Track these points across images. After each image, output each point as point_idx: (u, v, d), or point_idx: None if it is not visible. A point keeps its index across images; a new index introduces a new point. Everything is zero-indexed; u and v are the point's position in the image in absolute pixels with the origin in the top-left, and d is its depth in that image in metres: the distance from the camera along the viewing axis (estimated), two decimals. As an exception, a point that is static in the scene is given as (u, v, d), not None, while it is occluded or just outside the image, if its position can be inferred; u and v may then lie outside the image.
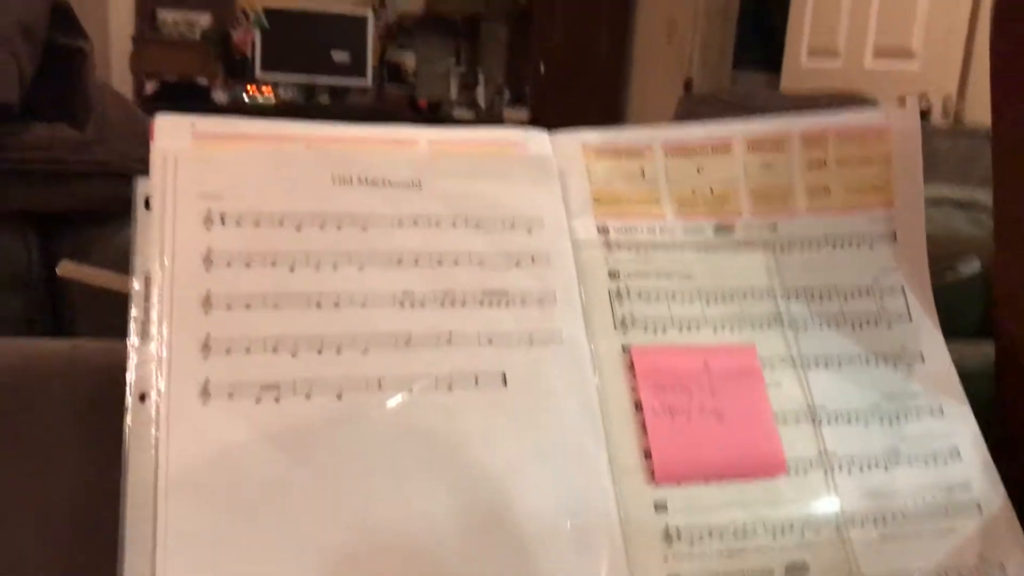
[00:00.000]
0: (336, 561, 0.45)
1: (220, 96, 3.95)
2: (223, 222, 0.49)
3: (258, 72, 4.09)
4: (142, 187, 0.49)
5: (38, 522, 0.50)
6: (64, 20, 0.69)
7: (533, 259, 0.53)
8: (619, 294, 0.54)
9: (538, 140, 0.57)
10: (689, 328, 0.54)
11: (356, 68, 4.17)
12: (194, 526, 0.43)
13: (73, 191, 0.63)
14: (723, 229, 0.57)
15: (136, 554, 0.43)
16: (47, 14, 0.67)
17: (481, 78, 4.37)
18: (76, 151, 0.62)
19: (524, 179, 0.55)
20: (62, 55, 0.69)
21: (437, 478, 0.47)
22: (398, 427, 0.47)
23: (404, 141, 0.55)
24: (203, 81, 3.96)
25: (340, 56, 4.15)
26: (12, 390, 0.51)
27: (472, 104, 4.28)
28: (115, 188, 0.64)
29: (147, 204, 0.49)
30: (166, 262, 0.48)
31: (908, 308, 0.57)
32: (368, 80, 4.19)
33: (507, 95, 4.31)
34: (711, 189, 0.57)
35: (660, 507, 0.49)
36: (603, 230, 0.55)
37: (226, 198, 0.50)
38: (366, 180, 0.52)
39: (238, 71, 4.09)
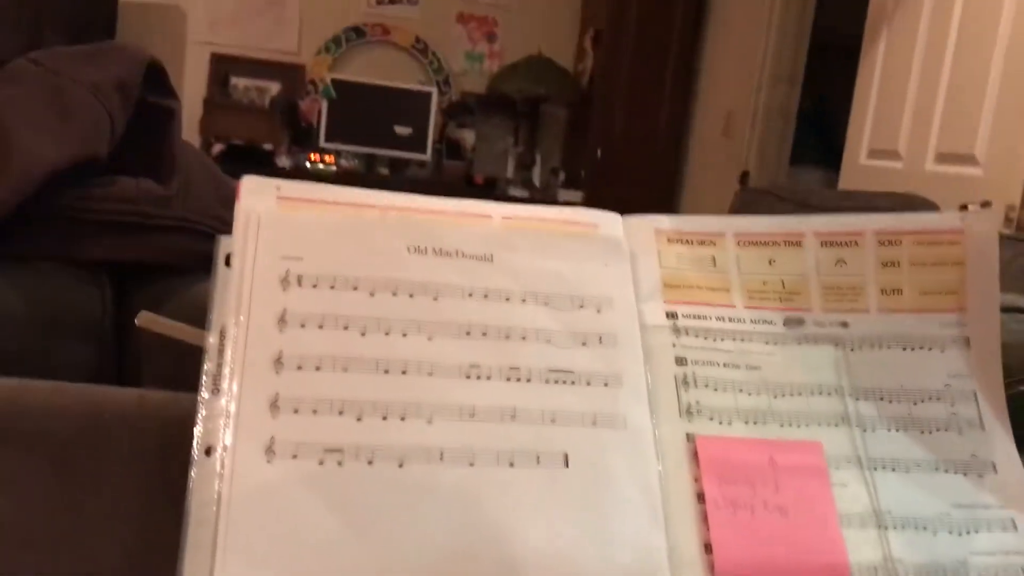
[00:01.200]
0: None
1: (283, 161, 4.05)
2: (300, 283, 0.50)
3: (322, 141, 4.19)
4: (224, 245, 0.50)
5: (96, 571, 0.50)
6: (156, 79, 0.72)
7: (601, 340, 0.53)
8: (686, 381, 0.53)
9: (611, 222, 0.57)
10: (755, 421, 0.53)
11: (417, 142, 4.26)
12: (249, 586, 0.43)
13: (152, 244, 0.64)
14: (793, 322, 0.56)
15: (190, 609, 0.42)
16: (142, 72, 0.70)
17: (538, 158, 4.43)
18: (159, 206, 0.64)
19: (595, 259, 0.55)
20: (152, 113, 0.71)
21: (491, 553, 0.46)
22: (456, 499, 0.47)
23: (478, 215, 0.56)
24: (268, 146, 4.07)
25: (402, 130, 4.25)
26: (80, 435, 0.52)
27: (527, 183, 4.33)
28: (192, 244, 0.66)
29: (227, 261, 0.50)
30: (242, 319, 0.48)
31: (980, 416, 0.55)
32: (427, 154, 4.27)
33: (562, 177, 4.36)
34: (782, 282, 0.57)
35: (718, 603, 0.48)
36: (672, 315, 0.55)
37: (304, 260, 0.51)
38: (440, 251, 0.53)
39: (303, 139, 4.20)
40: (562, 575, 0.47)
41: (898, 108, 2.65)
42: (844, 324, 0.57)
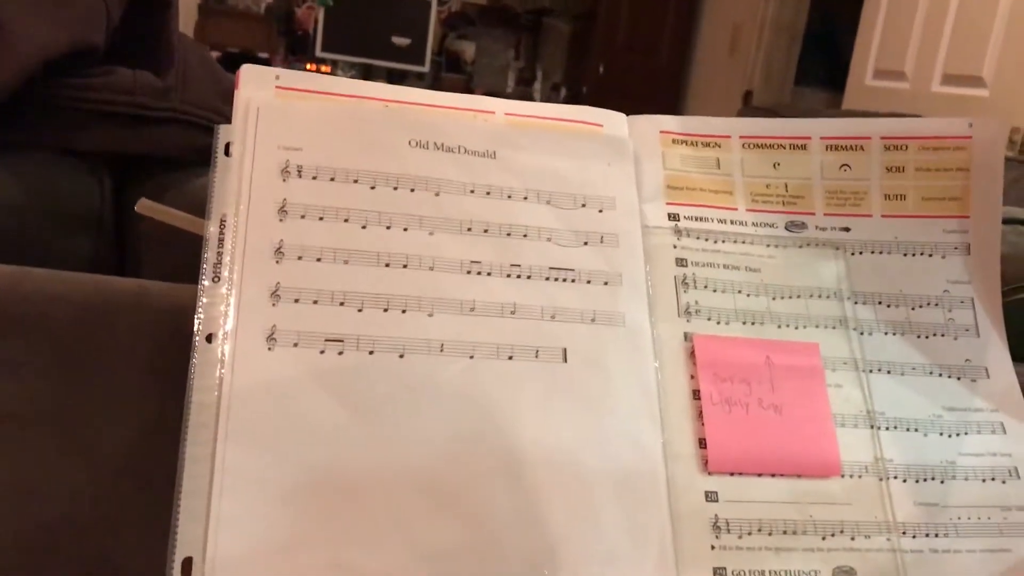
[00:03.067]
0: (383, 516, 0.45)
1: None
2: (300, 174, 0.49)
3: (318, 51, 4.12)
4: (224, 133, 0.50)
5: (93, 457, 0.51)
6: (152, -30, 0.70)
7: (602, 239, 0.53)
8: (685, 282, 0.53)
9: (616, 121, 0.56)
10: (753, 322, 0.53)
11: (415, 54, 4.19)
12: (251, 470, 0.44)
13: (150, 137, 0.64)
14: (795, 226, 0.56)
15: (192, 495, 0.43)
16: (137, -38, 0.68)
17: (539, 74, 4.37)
18: (157, 98, 0.63)
19: (599, 159, 0.55)
20: (148, 3, 0.70)
21: (491, 445, 0.47)
22: (457, 391, 0.47)
23: (482, 110, 0.55)
24: (263, 55, 4.00)
25: (400, 41, 4.17)
26: (80, 323, 0.52)
27: (528, 98, 4.28)
28: (190, 137, 0.65)
29: (227, 150, 0.49)
30: (242, 208, 0.48)
31: (976, 322, 0.56)
32: (426, 66, 4.21)
33: (563, 93, 4.30)
34: (786, 185, 0.57)
35: (711, 496, 0.49)
36: (674, 217, 0.55)
37: (304, 151, 0.50)
38: (442, 146, 0.52)
39: (299, 48, 4.13)
40: (559, 467, 0.47)
41: (906, 28, 2.60)
42: (846, 228, 0.57)
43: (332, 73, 4.08)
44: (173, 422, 0.46)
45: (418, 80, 4.22)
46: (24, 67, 0.58)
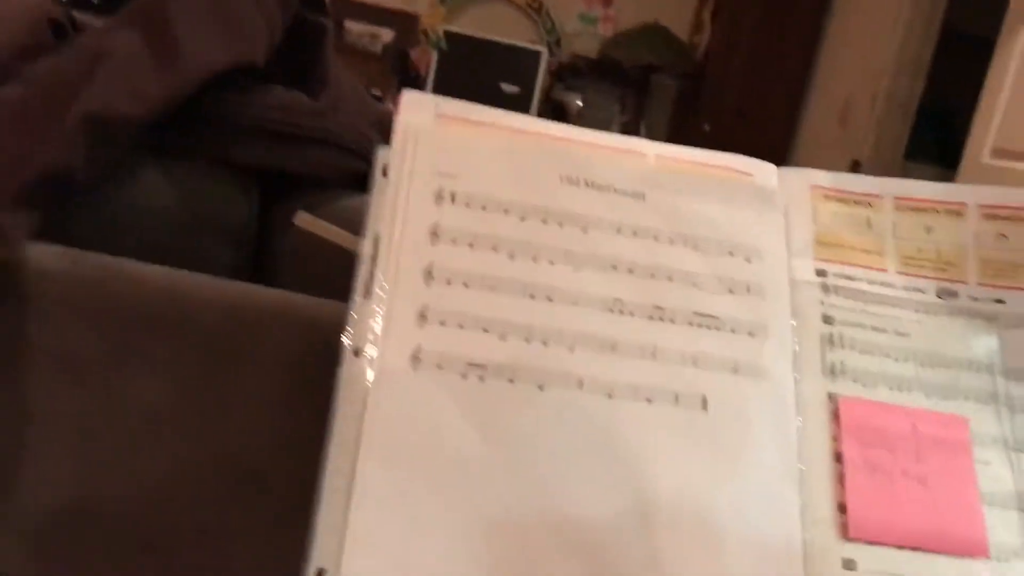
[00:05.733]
0: (509, 545, 0.44)
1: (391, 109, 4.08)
2: (453, 200, 0.50)
3: (429, 91, 4.21)
4: (382, 156, 0.51)
5: (223, 461, 0.51)
6: (312, -2, 0.73)
7: (748, 289, 0.52)
8: (832, 340, 0.52)
9: (766, 172, 0.56)
10: (900, 388, 0.51)
11: (522, 102, 4.25)
12: (388, 487, 0.44)
13: (301, 155, 0.65)
14: (947, 293, 0.54)
15: (331, 507, 0.43)
16: (300, -11, 0.71)
17: (643, 129, 4.38)
18: (310, 118, 0.65)
19: (748, 208, 0.54)
20: (307, 28, 0.72)
21: (624, 487, 0.46)
22: (594, 429, 0.47)
23: (633, 151, 0.55)
24: (377, 92, 4.11)
25: (509, 88, 4.24)
26: (227, 329, 0.53)
27: (629, 153, 4.29)
28: (339, 159, 0.67)
29: (384, 172, 0.50)
30: (396, 229, 0.49)
31: None
32: (531, 115, 4.26)
33: (666, 150, 4.30)
34: (938, 251, 0.55)
35: (848, 565, 0.47)
36: (822, 273, 0.54)
37: (459, 178, 0.51)
38: (592, 184, 0.53)
39: (411, 88, 4.23)
40: (692, 518, 0.46)
41: (1031, 106, 2.53)
42: (1000, 301, 0.54)
43: (439, 114, 4.16)
44: (305, 434, 0.46)
45: (523, 127, 4.27)
46: (192, 81, 0.61)
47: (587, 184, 0.53)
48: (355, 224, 0.51)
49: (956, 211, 0.56)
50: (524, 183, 0.52)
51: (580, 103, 4.38)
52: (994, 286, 0.55)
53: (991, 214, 0.56)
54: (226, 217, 0.63)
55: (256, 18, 0.67)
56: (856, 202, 0.56)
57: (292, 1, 0.70)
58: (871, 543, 0.47)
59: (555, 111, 4.38)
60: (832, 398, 0.50)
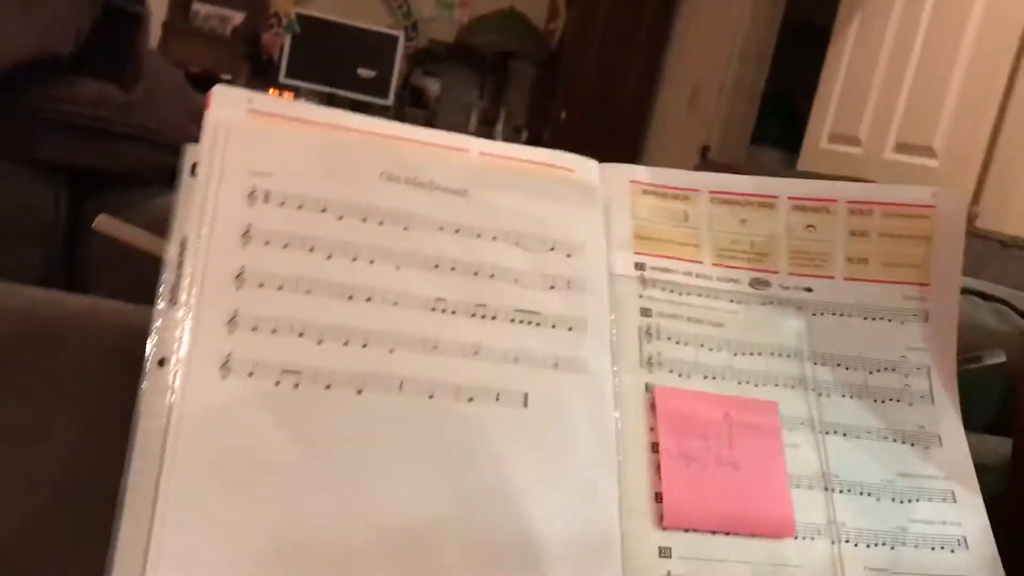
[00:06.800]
0: (334, 553, 0.43)
1: (242, 94, 3.95)
2: (267, 200, 0.48)
3: (283, 76, 4.10)
4: (191, 154, 0.49)
5: (32, 479, 0.48)
6: (126, -17, 0.69)
7: (569, 284, 0.52)
8: (649, 332, 0.53)
9: (588, 168, 0.56)
10: (714, 376, 0.53)
11: (380, 87, 4.20)
12: (196, 501, 0.42)
13: (112, 152, 0.62)
14: (759, 283, 0.57)
15: (132, 524, 0.41)
16: (111, -25, 0.67)
17: (502, 114, 4.40)
18: (122, 112, 0.62)
19: (570, 204, 0.55)
20: (119, 17, 0.68)
21: (446, 487, 0.46)
22: (414, 431, 0.46)
23: (456, 148, 0.55)
24: (227, 77, 3.97)
25: (366, 72, 4.18)
26: (24, 339, 0.50)
27: (489, 138, 4.30)
28: (154, 155, 0.63)
29: (193, 170, 0.48)
30: (204, 231, 0.47)
31: (932, 390, 0.56)
32: (390, 100, 4.21)
33: (525, 135, 4.34)
34: (751, 242, 0.57)
35: (664, 552, 0.48)
36: (640, 267, 0.55)
37: (273, 177, 0.49)
38: (414, 181, 0.52)
39: (263, 73, 4.11)
40: (514, 514, 0.47)
41: (863, 95, 2.68)
42: (809, 289, 0.57)
43: (295, 98, 4.06)
44: (116, 448, 0.44)
45: (382, 113, 4.22)
46: (-14, 71, 0.56)
47: (408, 181, 0.52)
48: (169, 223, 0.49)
49: (768, 203, 0.58)
50: (342, 180, 0.51)
51: (439, 88, 4.36)
52: (803, 275, 0.57)
53: (800, 206, 0.58)
54: (30, 218, 0.60)
55: (59, 6, 0.63)
56: (674, 196, 0.57)
57: (102, -13, 0.66)
58: (685, 530, 0.49)
59: (414, 96, 4.35)
60: (649, 388, 0.51)
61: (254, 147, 0.49)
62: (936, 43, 2.39)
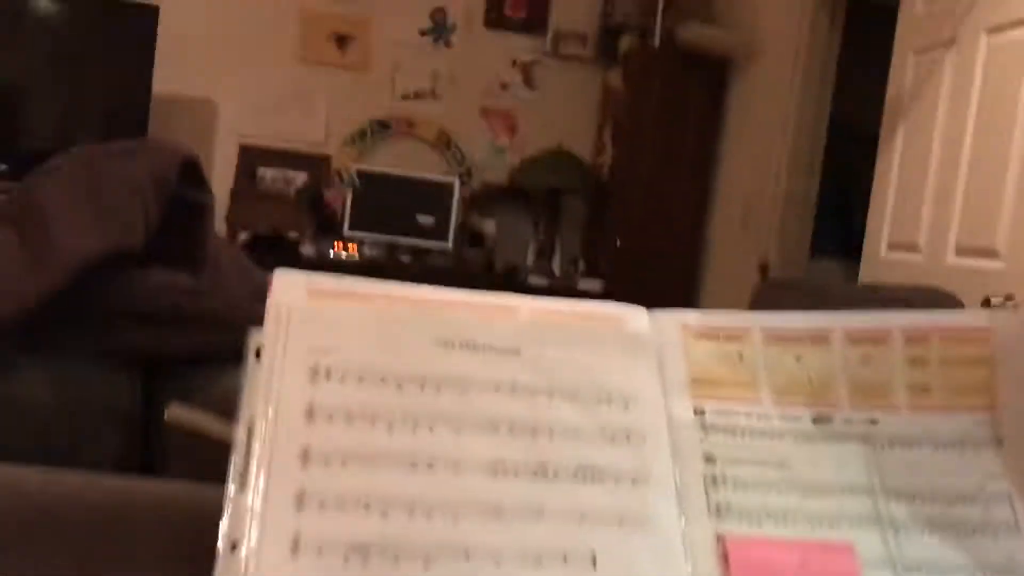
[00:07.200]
0: None
1: (308, 250, 4.10)
2: (328, 377, 0.50)
3: (346, 229, 4.25)
4: (255, 338, 0.51)
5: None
6: (192, 174, 0.74)
7: (628, 436, 0.53)
8: (715, 480, 0.53)
9: (637, 316, 0.57)
10: (785, 521, 0.52)
11: (439, 231, 4.32)
12: None
13: (184, 337, 0.65)
14: (822, 420, 0.56)
15: None
16: (178, 168, 0.72)
17: (558, 247, 4.47)
18: (191, 299, 0.65)
19: (622, 354, 0.55)
20: (186, 207, 0.73)
21: (519, 659, 0.45)
22: (483, 600, 0.46)
23: (505, 308, 0.56)
24: (293, 235, 4.13)
25: (424, 219, 4.31)
26: (106, 526, 0.51)
27: (547, 272, 4.36)
28: (222, 336, 0.66)
29: (258, 355, 0.50)
30: (270, 413, 0.49)
31: (1016, 518, 0.54)
32: (449, 243, 4.32)
33: (582, 265, 4.39)
34: (809, 378, 0.57)
35: None
36: (699, 412, 0.55)
37: (333, 353, 0.51)
38: (468, 344, 0.53)
39: (327, 228, 4.27)
40: None
41: (918, 200, 2.66)
42: (873, 421, 0.56)
43: (359, 250, 4.19)
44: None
45: (441, 256, 4.33)
46: (66, 274, 0.60)
47: (462, 345, 0.53)
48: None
49: (822, 338, 0.58)
50: (399, 351, 0.52)
51: (495, 228, 4.46)
52: (866, 408, 0.57)
53: (855, 339, 0.58)
54: (109, 408, 0.62)
55: (132, 201, 0.68)
56: (726, 338, 0.58)
57: (169, 181, 0.71)
58: None
59: (472, 238, 4.45)
60: (720, 539, 0.51)
61: (315, 326, 0.52)
62: (986, 143, 2.38)
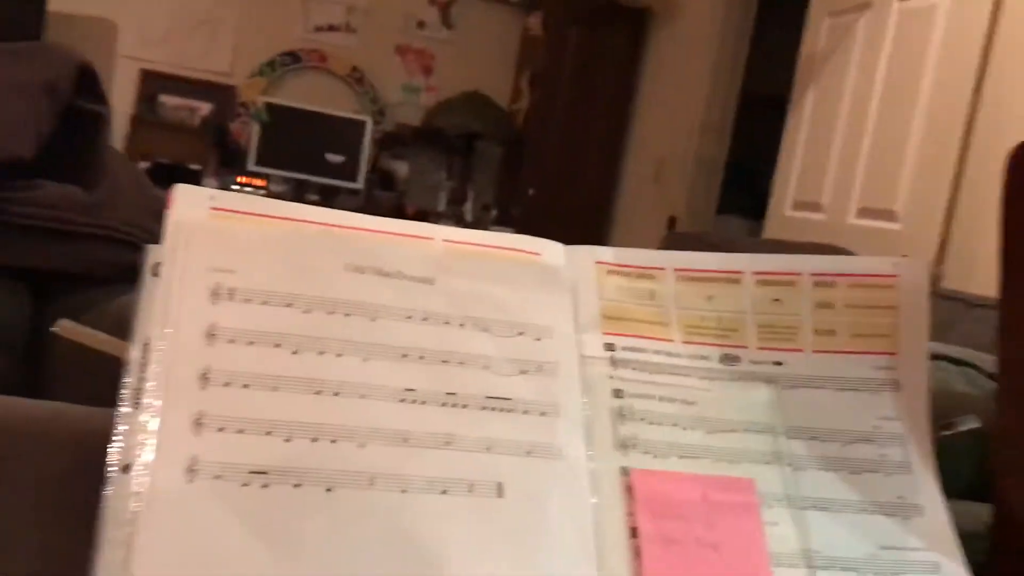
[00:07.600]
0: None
1: (211, 183, 3.97)
2: (231, 297, 0.48)
3: (252, 164, 4.13)
4: (153, 254, 0.48)
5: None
6: (88, 84, 0.69)
7: (539, 368, 0.52)
8: (622, 414, 0.53)
9: (553, 251, 0.57)
10: (690, 456, 0.53)
11: (349, 171, 4.24)
12: (161, 613, 0.41)
13: (74, 253, 0.62)
14: (729, 359, 0.57)
15: (95, 636, 0.40)
16: (73, 76, 0.68)
17: (470, 194, 4.44)
18: (84, 213, 0.62)
19: (536, 288, 0.55)
20: (81, 118, 0.69)
21: (421, 586, 0.45)
22: (387, 528, 0.45)
23: (420, 236, 0.55)
24: (196, 167, 3.99)
25: (334, 158, 4.22)
26: (-16, 448, 0.48)
27: (459, 218, 4.34)
28: (117, 254, 0.63)
29: (155, 271, 0.48)
30: (168, 332, 0.46)
31: (908, 459, 0.56)
32: (359, 183, 4.25)
33: (494, 213, 4.38)
34: (719, 318, 0.57)
35: (649, 641, 0.47)
36: (610, 347, 0.55)
37: (237, 274, 0.49)
38: (379, 271, 0.52)
39: (232, 161, 4.14)
40: (491, 609, 0.45)
41: (823, 162, 2.73)
42: (778, 363, 0.57)
43: (266, 186, 4.08)
44: (80, 556, 0.43)
45: (351, 196, 4.25)
46: (-55, 178, 0.56)
47: (374, 271, 0.52)
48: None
49: (733, 279, 0.58)
50: (307, 275, 0.50)
51: (407, 170, 4.41)
52: (772, 349, 0.57)
53: (765, 280, 0.58)
54: (-9, 323, 0.59)
55: (20, 109, 0.63)
56: (639, 275, 0.58)
57: (63, 89, 0.66)
58: (669, 616, 0.48)
59: (383, 180, 4.38)
60: (625, 472, 0.51)
61: (217, 245, 0.49)
62: (891, 108, 2.45)
